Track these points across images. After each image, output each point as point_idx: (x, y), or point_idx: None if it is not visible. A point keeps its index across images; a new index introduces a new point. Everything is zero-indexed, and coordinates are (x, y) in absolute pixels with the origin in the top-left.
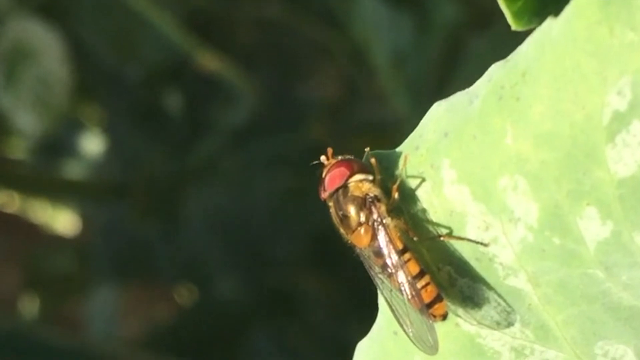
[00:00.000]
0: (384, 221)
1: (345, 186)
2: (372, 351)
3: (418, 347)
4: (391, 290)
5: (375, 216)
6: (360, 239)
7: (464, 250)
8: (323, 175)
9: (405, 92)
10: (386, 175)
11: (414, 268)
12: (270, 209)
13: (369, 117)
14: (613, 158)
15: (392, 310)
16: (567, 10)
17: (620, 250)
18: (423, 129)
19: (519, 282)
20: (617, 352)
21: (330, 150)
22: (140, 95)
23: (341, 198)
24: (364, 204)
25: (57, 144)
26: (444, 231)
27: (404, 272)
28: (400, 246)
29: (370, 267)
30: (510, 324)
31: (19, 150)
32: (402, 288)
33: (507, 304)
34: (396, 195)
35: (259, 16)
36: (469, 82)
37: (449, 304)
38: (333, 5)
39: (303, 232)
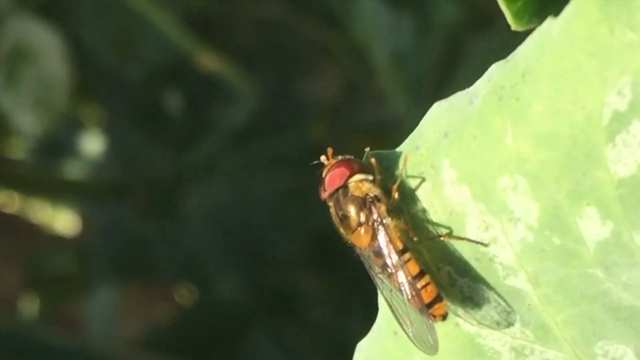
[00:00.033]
0: (384, 221)
1: (345, 186)
2: (372, 351)
3: (418, 347)
4: (391, 290)
5: (375, 216)
6: (360, 239)
7: (464, 250)
8: (323, 175)
9: (405, 92)
10: (386, 175)
11: (414, 268)
12: (270, 209)
13: (369, 117)
14: (613, 158)
15: (392, 310)
16: (567, 10)
17: (620, 250)
18: (423, 128)
19: (519, 282)
20: (617, 352)
21: (330, 150)
22: (140, 95)
23: (341, 198)
24: (364, 204)
25: (57, 144)
26: (444, 231)
27: (404, 272)
28: (400, 246)
29: (370, 267)
30: (510, 324)
31: (19, 150)
32: (402, 288)
33: (507, 304)
34: (396, 195)
35: (259, 16)
36: (469, 82)
37: (449, 304)
38: (333, 5)
39: (303, 232)
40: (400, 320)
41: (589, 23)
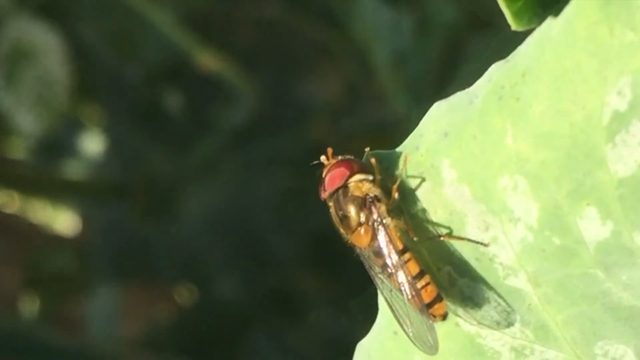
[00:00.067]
0: (384, 221)
1: (345, 186)
2: (372, 351)
3: (418, 347)
4: (391, 290)
5: (375, 216)
6: (360, 239)
7: (464, 250)
8: (323, 175)
9: (405, 92)
10: (386, 175)
11: (414, 268)
12: (270, 209)
13: (369, 117)
14: (613, 158)
15: (392, 310)
16: (567, 10)
17: (620, 250)
18: (423, 128)
19: (519, 282)
20: (617, 352)
21: (330, 151)
22: (140, 95)
23: (341, 198)
24: (364, 204)
25: (57, 144)
26: (444, 231)
27: (404, 272)
28: (400, 246)
29: (370, 267)
30: (510, 324)
31: (19, 150)
32: (402, 288)
33: (507, 304)
34: (396, 195)
35: (259, 16)
36: (469, 82)
37: (449, 304)
38: (333, 6)
39: (303, 232)
40: (401, 320)
41: (589, 23)
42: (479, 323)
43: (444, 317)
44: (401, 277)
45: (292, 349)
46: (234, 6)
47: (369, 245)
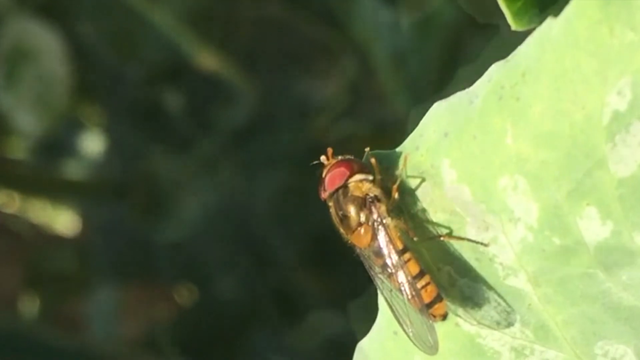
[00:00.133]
0: (384, 221)
1: (345, 186)
2: (372, 351)
3: (418, 347)
4: (391, 290)
5: (375, 216)
6: (360, 239)
7: (464, 250)
8: (323, 175)
9: (405, 92)
10: (386, 175)
11: (414, 268)
12: (270, 209)
13: (369, 117)
14: (613, 158)
15: (392, 310)
16: (567, 10)
17: (620, 250)
18: (423, 128)
19: (519, 282)
20: (617, 352)
21: (330, 150)
22: (140, 94)
23: (341, 198)
24: (364, 204)
25: (57, 144)
26: (444, 231)
27: (404, 272)
28: (400, 246)
29: (370, 267)
30: (510, 324)
31: (19, 150)
32: (402, 288)
33: (507, 304)
34: (396, 195)
35: (259, 16)
36: (469, 82)
37: (449, 304)
38: (333, 5)
39: (303, 232)
40: (401, 320)
41: (590, 23)
42: (479, 323)
43: (444, 317)
44: (401, 277)
45: (292, 349)
46: (234, 6)
47: (369, 245)
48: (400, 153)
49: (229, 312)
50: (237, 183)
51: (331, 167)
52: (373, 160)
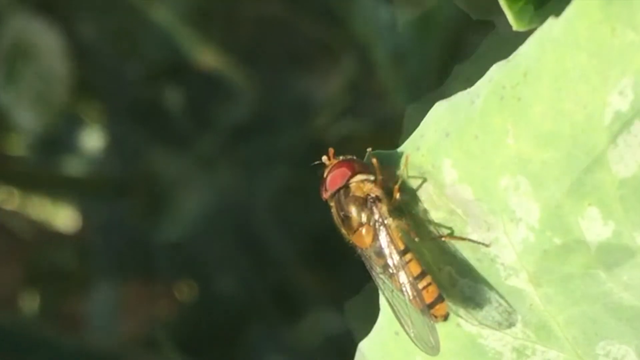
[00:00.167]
0: (386, 222)
1: (346, 186)
2: (373, 351)
3: (419, 348)
4: (392, 291)
5: (376, 216)
6: (361, 240)
7: (465, 250)
8: (325, 175)
9: (406, 91)
10: (387, 175)
11: (415, 268)
12: (271, 207)
13: (370, 116)
14: (614, 158)
15: (394, 311)
16: (569, 10)
17: (622, 251)
18: (424, 129)
19: (520, 282)
20: (618, 352)
21: (331, 151)
22: (140, 92)
23: (342, 198)
24: (365, 204)
25: (57, 141)
26: (445, 231)
27: (405, 272)
28: (401, 247)
29: (372, 268)
30: (511, 325)
31: (18, 147)
32: (404, 288)
33: (509, 304)
34: (397, 195)
35: (259, 14)
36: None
37: (450, 304)
38: (333, 3)
39: (303, 230)
40: (402, 320)
41: (591, 23)
42: (481, 323)
43: (446, 317)
44: (402, 277)
45: (292, 348)
46: (235, 4)
47: (370, 245)
48: (402, 153)
49: (228, 311)
50: (237, 181)
51: (333, 167)
52: (374, 160)
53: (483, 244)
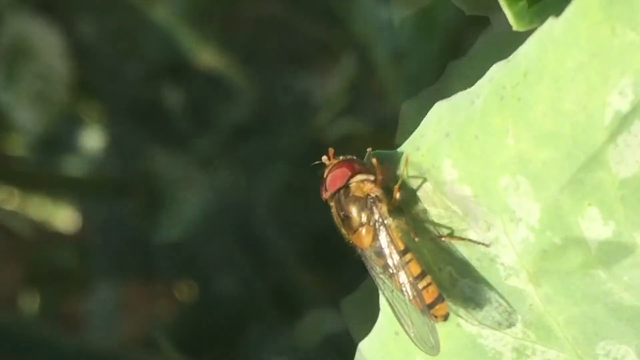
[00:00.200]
0: (386, 222)
1: (346, 186)
2: (373, 351)
3: (419, 348)
4: (392, 291)
5: (376, 217)
6: (361, 240)
7: (465, 250)
8: (325, 175)
9: (405, 90)
10: (387, 175)
11: (415, 268)
12: (271, 207)
13: (369, 115)
14: (614, 158)
15: (394, 311)
16: (569, 10)
17: (622, 251)
18: (424, 129)
19: (521, 282)
20: (618, 352)
21: (331, 151)
22: (140, 92)
23: (342, 198)
24: (365, 204)
25: (56, 141)
26: (445, 231)
27: (405, 272)
28: (401, 247)
29: (372, 268)
30: (511, 325)
31: (18, 147)
32: (404, 288)
33: (509, 304)
34: (397, 195)
35: (259, 13)
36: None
37: (450, 304)
38: (333, 4)
39: (303, 229)
40: (402, 320)
41: (591, 23)
42: (481, 323)
43: (446, 317)
44: (402, 277)
45: (291, 347)
46: (234, 4)
47: (370, 245)
48: (402, 153)
49: (228, 311)
50: (237, 181)
51: (333, 167)
52: (374, 160)
53: (483, 244)
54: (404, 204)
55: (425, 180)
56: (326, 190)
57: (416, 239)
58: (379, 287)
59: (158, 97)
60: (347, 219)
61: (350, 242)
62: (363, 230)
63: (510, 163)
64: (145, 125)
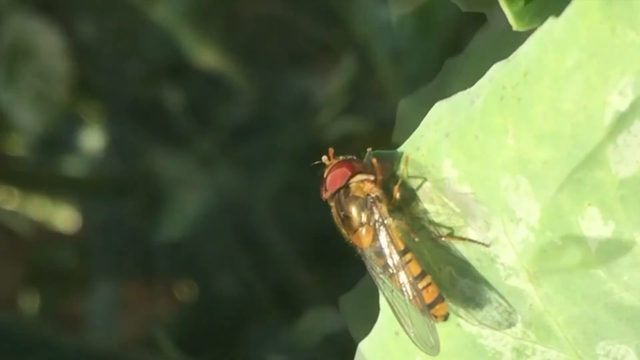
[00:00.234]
0: (385, 222)
1: (346, 186)
2: (373, 351)
3: (419, 348)
4: (392, 291)
5: (376, 217)
6: (361, 240)
7: (465, 250)
8: (325, 175)
9: (405, 89)
10: (387, 175)
11: (415, 268)
12: (271, 206)
13: (369, 115)
14: (614, 158)
15: (394, 311)
16: (569, 10)
17: (622, 251)
18: (424, 129)
19: (521, 282)
20: (618, 352)
21: (331, 150)
22: (140, 92)
23: (342, 198)
24: (365, 204)
25: (56, 141)
26: (445, 231)
27: (405, 272)
28: (401, 247)
29: (372, 268)
30: (511, 325)
31: (18, 146)
32: (404, 288)
33: (509, 304)
34: (397, 195)
35: (259, 13)
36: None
37: (450, 304)
38: (333, 3)
39: (303, 230)
40: (402, 320)
41: (591, 23)
42: (481, 323)
43: (445, 317)
44: (402, 277)
45: (291, 347)
46: (235, 3)
47: (370, 245)
48: (402, 153)
49: (228, 311)
50: (237, 181)
51: (333, 167)
52: (374, 160)
53: (483, 244)
54: (404, 204)
55: (425, 180)
56: (326, 190)
57: (416, 239)
58: (379, 287)
59: (158, 97)
60: (347, 219)
61: (350, 242)
62: (363, 230)
63: (511, 163)
64: (145, 125)
